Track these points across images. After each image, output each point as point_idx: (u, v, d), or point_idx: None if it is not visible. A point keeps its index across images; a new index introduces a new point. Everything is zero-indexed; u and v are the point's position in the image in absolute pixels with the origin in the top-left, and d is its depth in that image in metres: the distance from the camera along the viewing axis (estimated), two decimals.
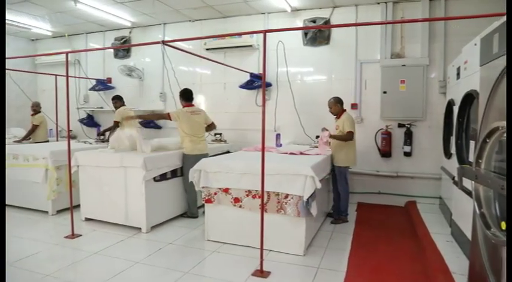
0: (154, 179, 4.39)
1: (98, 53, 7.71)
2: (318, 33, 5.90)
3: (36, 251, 3.76)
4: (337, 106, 4.70)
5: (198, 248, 3.89)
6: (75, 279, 3.18)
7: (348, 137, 4.52)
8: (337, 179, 4.73)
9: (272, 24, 6.14)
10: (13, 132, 7.29)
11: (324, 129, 4.67)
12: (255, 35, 6.04)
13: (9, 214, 5.12)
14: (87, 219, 4.72)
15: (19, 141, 6.53)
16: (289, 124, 6.09)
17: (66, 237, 4.14)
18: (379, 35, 5.55)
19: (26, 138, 6.66)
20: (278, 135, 5.45)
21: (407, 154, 5.48)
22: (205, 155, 4.84)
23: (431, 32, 5.34)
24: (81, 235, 4.22)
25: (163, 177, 4.54)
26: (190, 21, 6.80)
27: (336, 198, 4.85)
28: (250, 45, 6.20)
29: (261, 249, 3.26)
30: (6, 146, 5.67)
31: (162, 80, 7.01)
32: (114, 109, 6.11)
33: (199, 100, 6.81)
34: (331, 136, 4.58)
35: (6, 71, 6.69)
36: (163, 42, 3.81)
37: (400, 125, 5.51)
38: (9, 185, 5.34)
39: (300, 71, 6.12)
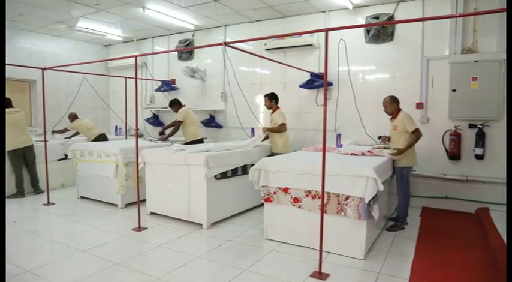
0: (216, 177, 4.52)
1: (163, 55, 8.12)
2: (381, 30, 5.68)
3: (107, 240, 4.05)
4: (393, 105, 4.48)
5: (257, 246, 3.93)
6: (141, 269, 3.37)
7: (417, 136, 4.28)
8: (397, 181, 4.52)
9: (333, 22, 6.03)
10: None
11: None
12: (315, 33, 5.97)
13: (85, 205, 5.60)
14: (152, 214, 4.98)
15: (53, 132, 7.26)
16: (350, 124, 5.94)
17: (133, 229, 4.41)
18: (449, 30, 5.20)
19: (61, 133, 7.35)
20: (338, 136, 5.35)
21: (479, 157, 5.08)
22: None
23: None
24: (146, 228, 4.46)
25: (224, 175, 4.64)
26: (250, 22, 6.90)
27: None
28: (311, 45, 6.15)
29: (320, 250, 3.22)
30: (82, 143, 6.19)
31: (223, 81, 7.20)
32: (175, 112, 6.36)
33: (259, 100, 6.90)
34: (400, 152, 4.31)
35: (84, 74, 7.33)
36: (225, 44, 3.89)
37: (472, 126, 5.13)
38: (85, 179, 5.86)
39: (362, 70, 5.95)
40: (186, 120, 6.25)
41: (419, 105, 5.43)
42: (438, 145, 5.36)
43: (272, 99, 5.62)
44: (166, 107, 7.92)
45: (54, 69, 5.85)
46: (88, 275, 3.18)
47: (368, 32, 5.80)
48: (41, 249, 3.89)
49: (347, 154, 4.40)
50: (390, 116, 4.58)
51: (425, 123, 5.41)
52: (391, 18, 5.59)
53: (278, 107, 5.62)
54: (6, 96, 6.42)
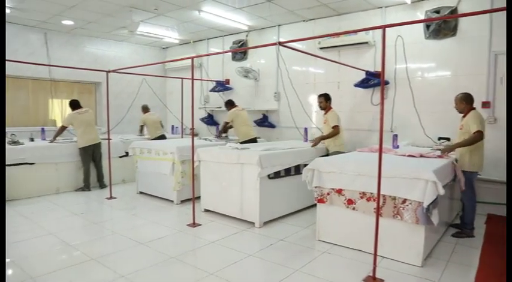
0: (269, 177, 4.54)
1: (217, 56, 8.31)
2: (442, 25, 5.37)
3: (163, 234, 4.24)
4: (462, 103, 4.18)
5: (309, 247, 3.90)
6: (195, 264, 3.49)
7: (475, 138, 3.96)
8: None
9: (389, 18, 5.81)
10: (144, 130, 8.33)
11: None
12: (370, 31, 5.79)
13: (144, 200, 5.90)
14: (206, 211, 5.12)
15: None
16: (408, 124, 5.69)
17: (188, 225, 4.56)
18: None
19: (141, 134, 7.79)
20: (395, 136, 5.15)
21: None
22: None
23: None
24: (200, 225, 4.59)
25: (277, 175, 4.65)
26: (303, 21, 6.85)
27: (462, 208, 4.35)
28: (366, 42, 5.97)
29: (375, 254, 3.12)
30: (141, 142, 6.52)
31: (276, 80, 7.22)
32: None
33: (312, 100, 6.83)
34: (449, 148, 4.16)
35: (143, 76, 7.71)
36: (280, 44, 3.90)
37: None
38: (144, 176, 6.17)
39: (421, 67, 5.67)
40: (236, 121, 6.50)
41: (486, 104, 5.06)
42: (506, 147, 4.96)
43: (327, 100, 5.57)
44: (220, 107, 8.14)
45: (117, 72, 6.21)
46: (146, 266, 3.34)
47: (428, 27, 5.51)
48: (104, 240, 4.18)
49: (404, 155, 4.23)
50: (462, 114, 4.28)
51: (493, 123, 5.03)
52: (454, 11, 5.27)
53: (331, 108, 5.55)
54: (74, 98, 6.99)
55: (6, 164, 5.53)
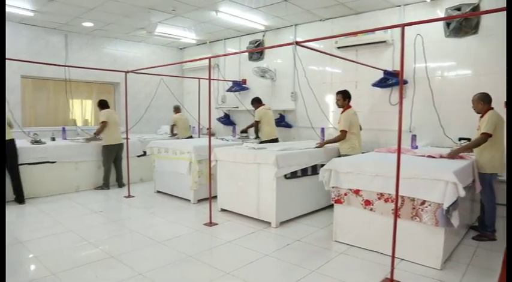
0: (285, 177, 4.53)
1: (234, 56, 8.33)
2: (463, 22, 5.25)
3: (181, 233, 4.28)
4: (479, 104, 4.06)
5: (325, 247, 3.87)
6: (211, 263, 3.50)
7: (480, 140, 3.89)
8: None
9: (409, 16, 5.72)
10: (164, 129, 8.47)
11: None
12: (389, 29, 5.71)
13: (161, 199, 5.97)
14: (223, 210, 5.14)
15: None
16: (427, 124, 5.59)
17: (205, 224, 4.58)
18: None
19: (172, 134, 7.97)
20: (414, 137, 5.06)
21: None
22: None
23: None
24: (217, 224, 4.61)
25: (293, 175, 4.64)
26: (320, 20, 6.81)
27: (481, 210, 4.25)
28: (384, 41, 5.90)
29: (393, 256, 3.07)
30: (159, 141, 6.60)
31: (293, 80, 7.19)
32: (254, 110, 6.70)
33: (329, 99, 6.79)
34: (457, 151, 4.08)
35: (161, 76, 7.81)
36: (297, 43, 3.88)
37: None
38: (161, 175, 6.24)
39: (441, 66, 5.56)
40: (263, 120, 6.50)
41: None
42: None
43: (346, 98, 5.21)
44: (237, 107, 8.17)
45: (136, 72, 6.31)
46: (164, 264, 3.38)
47: (448, 25, 5.40)
48: (123, 238, 4.24)
49: (423, 156, 4.15)
50: (479, 115, 4.16)
51: None
52: (475, 8, 5.14)
53: (349, 107, 5.25)
54: (95, 98, 7.14)
55: (29, 162, 5.73)
